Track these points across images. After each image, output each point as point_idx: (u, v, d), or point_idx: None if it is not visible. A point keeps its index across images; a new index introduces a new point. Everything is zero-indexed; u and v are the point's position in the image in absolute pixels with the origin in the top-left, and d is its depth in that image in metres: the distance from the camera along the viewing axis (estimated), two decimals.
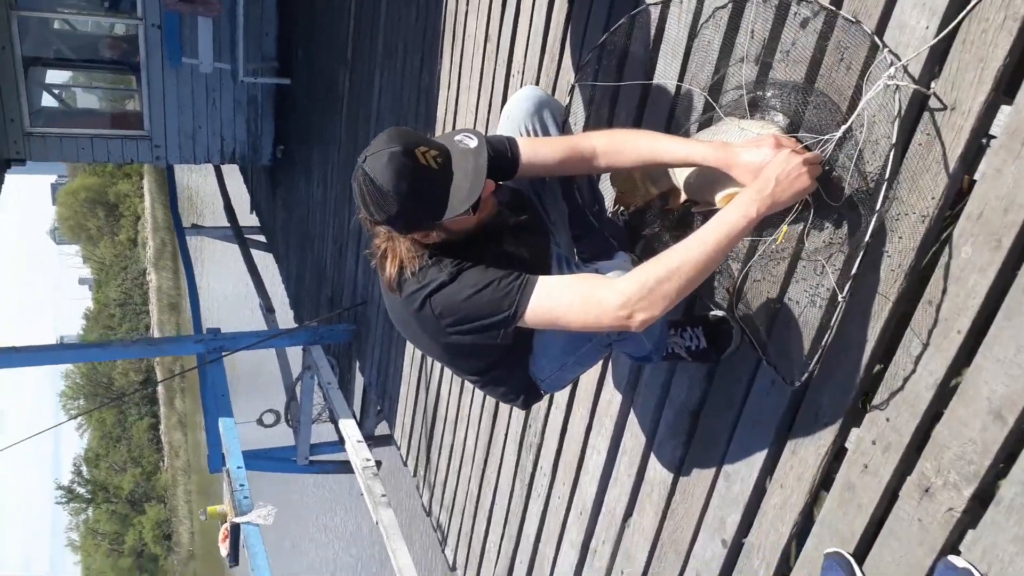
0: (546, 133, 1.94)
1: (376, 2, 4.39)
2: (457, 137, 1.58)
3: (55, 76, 8.74)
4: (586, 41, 2.46)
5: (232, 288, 18.29)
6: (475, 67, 3.25)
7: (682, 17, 2.02)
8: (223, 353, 5.01)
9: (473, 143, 1.56)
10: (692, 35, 1.98)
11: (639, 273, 1.47)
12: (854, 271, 1.48)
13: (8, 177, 6.63)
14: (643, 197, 1.99)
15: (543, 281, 1.57)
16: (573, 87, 2.06)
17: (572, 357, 1.85)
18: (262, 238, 8.41)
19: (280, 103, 7.12)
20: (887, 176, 1.43)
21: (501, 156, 1.72)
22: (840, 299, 1.51)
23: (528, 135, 1.92)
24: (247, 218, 8.80)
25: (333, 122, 5.36)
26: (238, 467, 4.49)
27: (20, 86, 6.44)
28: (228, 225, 8.23)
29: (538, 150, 1.78)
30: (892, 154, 1.42)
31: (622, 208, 2.21)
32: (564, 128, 1.97)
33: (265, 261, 8.09)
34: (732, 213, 1.48)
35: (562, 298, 1.54)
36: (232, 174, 9.41)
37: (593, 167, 1.81)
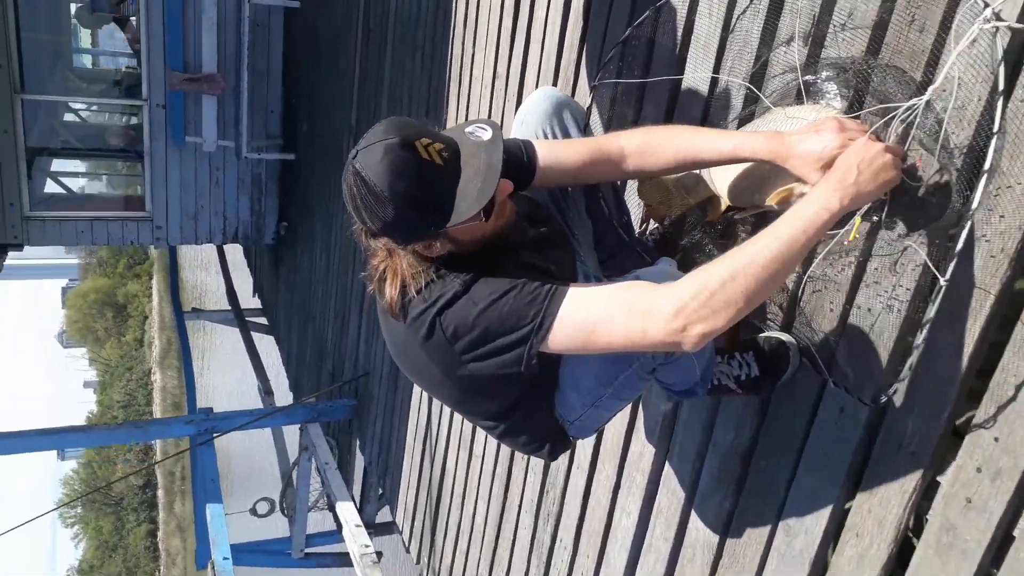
0: (566, 136, 1.72)
1: (380, 57, 4.29)
2: (468, 128, 1.34)
3: (60, 164, 8.73)
4: (603, 60, 2.28)
5: (232, 374, 17.93)
6: (483, 107, 3.08)
7: (714, 9, 1.83)
8: (214, 434, 4.69)
9: (487, 135, 1.31)
10: (726, 28, 1.79)
11: (696, 275, 1.19)
12: (959, 247, 1.21)
13: (19, 283, 6.48)
14: (679, 207, 1.74)
15: (576, 289, 1.29)
16: (594, 87, 1.85)
17: (608, 389, 1.55)
18: (264, 320, 8.18)
19: (284, 179, 7.02)
20: (996, 131, 1.18)
21: (516, 160, 1.49)
22: (942, 282, 1.23)
23: (546, 138, 1.70)
24: (251, 301, 8.60)
25: (336, 190, 5.21)
26: (224, 558, 4.11)
27: (22, 170, 6.35)
28: (229, 308, 8.01)
29: (558, 153, 1.54)
30: (1000, 103, 1.18)
31: (652, 226, 1.97)
32: (585, 132, 1.75)
33: (266, 345, 7.84)
34: (810, 205, 1.22)
35: (600, 307, 1.25)
36: (236, 258, 9.28)
37: (622, 171, 1.56)
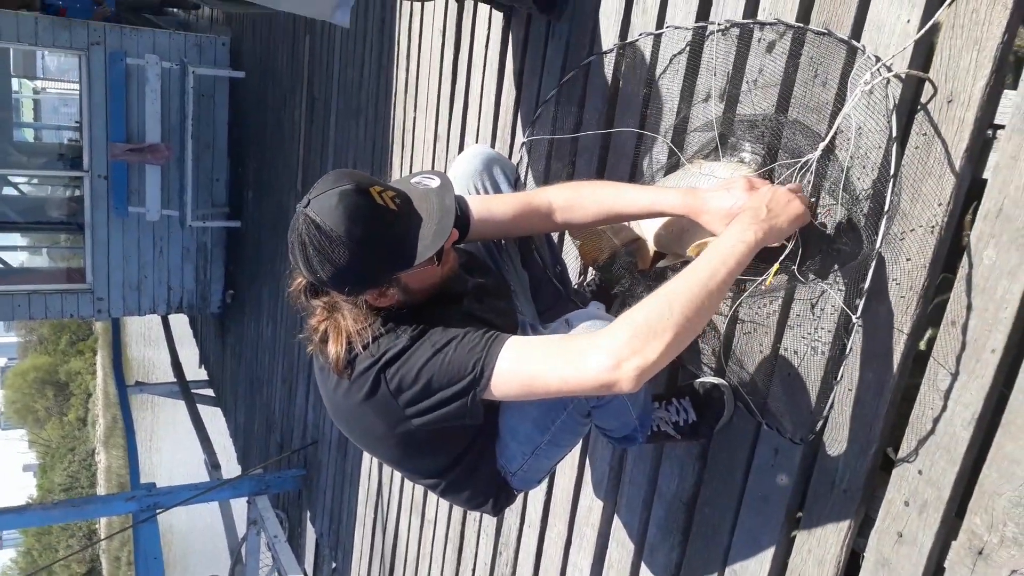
0: (497, 191, 1.76)
1: (325, 123, 4.34)
2: (415, 179, 1.38)
3: None
4: (533, 118, 2.35)
5: (178, 448, 17.37)
6: (425, 167, 3.13)
7: (637, 71, 1.91)
8: (157, 510, 4.53)
9: (435, 183, 1.36)
10: (650, 84, 1.87)
11: (626, 315, 1.20)
12: (867, 284, 1.27)
13: None
14: (609, 248, 1.80)
15: (515, 338, 1.31)
16: (524, 143, 1.91)
17: (546, 435, 1.56)
18: (211, 391, 7.99)
19: (230, 247, 6.96)
20: (892, 174, 1.25)
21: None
22: (854, 321, 1.29)
23: (478, 194, 1.74)
24: (197, 373, 8.40)
25: (282, 258, 5.19)
26: None
27: None
28: (175, 380, 7.82)
29: (491, 206, 1.59)
30: (895, 148, 1.26)
31: (589, 278, 2.02)
32: (517, 186, 1.80)
33: (213, 417, 7.64)
34: (727, 239, 1.26)
35: (537, 353, 1.27)
36: (182, 329, 9.10)
37: (551, 223, 1.62)
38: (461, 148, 2.85)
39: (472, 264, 1.63)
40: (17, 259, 9.54)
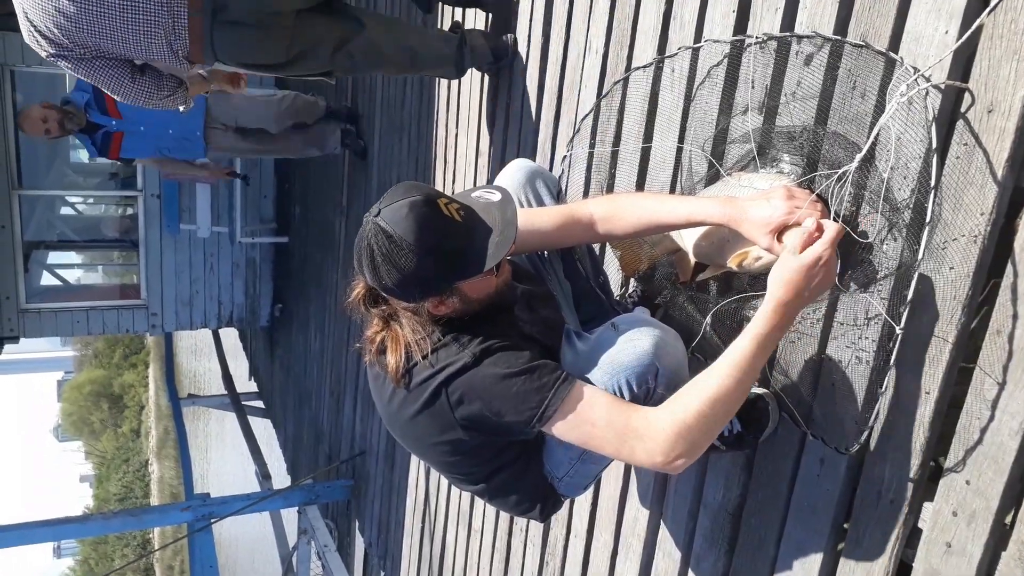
0: (540, 203, 1.80)
1: (368, 140, 4.43)
2: (476, 194, 1.44)
3: (57, 256, 8.85)
4: (574, 132, 2.38)
5: (229, 459, 17.70)
6: (468, 183, 3.18)
7: (675, 83, 1.93)
8: (212, 520, 4.65)
9: (496, 197, 1.42)
10: (687, 98, 1.89)
11: (677, 408, 1.31)
12: (910, 294, 1.28)
13: (14, 377, 6.52)
14: (648, 259, 1.82)
15: (582, 388, 1.37)
16: (565, 156, 1.94)
17: None
18: (260, 403, 8.16)
19: (278, 262, 7.12)
20: (933, 185, 1.26)
21: None
22: (897, 331, 1.29)
23: (521, 206, 1.78)
24: (247, 385, 8.59)
25: (330, 270, 5.30)
26: None
27: (18, 264, 6.45)
28: (225, 393, 8.00)
29: (533, 219, 1.63)
30: (935, 160, 1.26)
31: (631, 290, 2.04)
32: (559, 199, 1.84)
33: (263, 428, 7.80)
34: (760, 327, 1.32)
35: (598, 418, 1.35)
36: (232, 342, 9.30)
37: (593, 234, 1.65)
38: (503, 163, 2.90)
39: (518, 274, 1.67)
40: (73, 276, 9.84)
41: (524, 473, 1.64)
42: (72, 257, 10.02)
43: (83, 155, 8.77)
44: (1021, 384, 1.25)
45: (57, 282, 8.54)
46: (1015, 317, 1.25)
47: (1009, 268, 1.26)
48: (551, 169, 2.47)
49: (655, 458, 1.31)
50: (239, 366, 9.13)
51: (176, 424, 7.44)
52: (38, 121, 3.95)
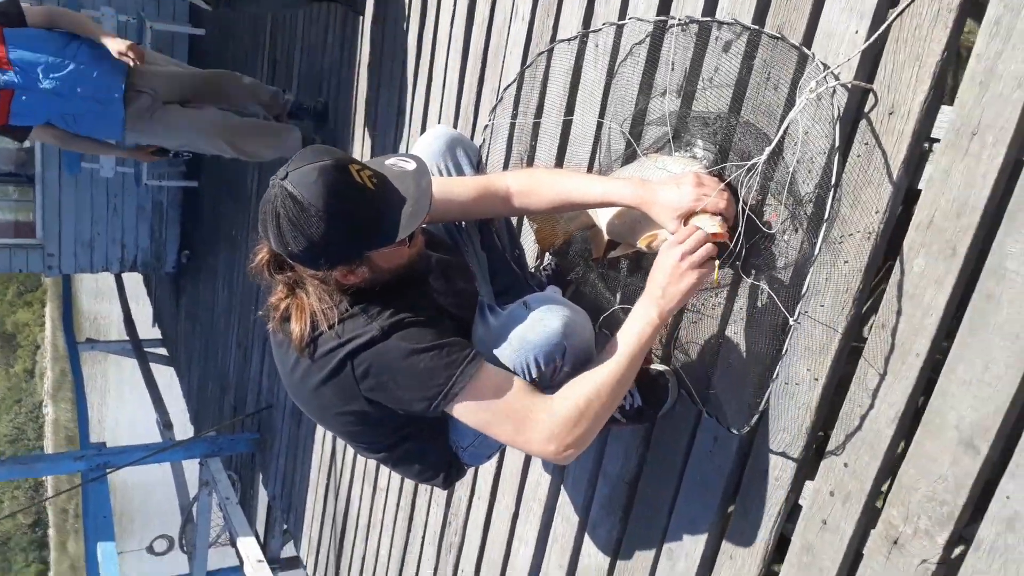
0: (460, 173, 1.78)
1: (287, 87, 4.28)
2: (389, 161, 1.40)
3: None
4: (496, 100, 2.36)
5: (129, 407, 17.15)
6: (388, 144, 3.13)
7: (599, 58, 1.94)
8: (108, 470, 4.51)
9: (411, 166, 1.38)
10: (609, 74, 1.90)
11: (567, 400, 1.38)
12: (805, 289, 1.33)
13: None
14: (564, 234, 1.84)
15: (488, 370, 1.38)
16: (487, 125, 1.93)
17: None
18: (164, 351, 7.91)
19: (187, 206, 6.86)
20: (833, 183, 1.31)
21: None
22: (792, 323, 1.35)
23: (440, 175, 1.76)
24: (150, 331, 8.30)
25: (240, 223, 5.14)
26: None
27: None
28: (127, 339, 7.72)
29: (451, 188, 1.62)
30: (837, 160, 1.31)
31: (546, 262, 2.06)
32: (479, 168, 1.82)
33: (166, 377, 7.58)
34: (636, 323, 1.42)
35: (499, 405, 1.38)
36: (135, 285, 8.95)
37: (509, 207, 1.66)
38: (424, 124, 2.86)
39: (434, 243, 1.66)
40: None
41: (428, 443, 1.65)
42: None
43: None
44: (900, 376, 1.33)
45: None
46: (899, 313, 1.32)
47: (897, 266, 1.32)
48: (472, 137, 2.45)
49: (548, 448, 1.37)
50: (142, 310, 8.81)
51: (73, 369, 7.15)
52: None
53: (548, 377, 1.45)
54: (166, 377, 7.62)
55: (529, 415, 1.37)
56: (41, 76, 3.03)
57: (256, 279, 1.45)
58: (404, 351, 1.36)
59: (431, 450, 1.67)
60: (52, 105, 3.09)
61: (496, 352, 1.45)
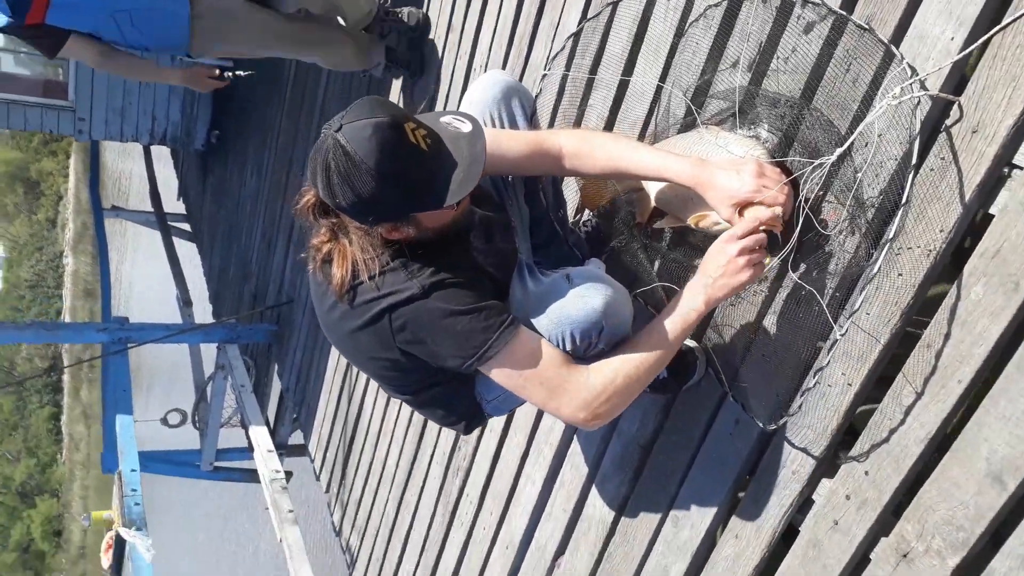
0: (513, 124, 1.74)
1: None
2: (444, 119, 1.37)
3: None
4: (559, 33, 2.27)
5: (150, 278, 17.46)
6: (431, 59, 3.03)
7: (669, 14, 1.85)
8: (128, 345, 4.62)
9: (467, 128, 1.35)
10: (679, 33, 1.82)
11: (604, 374, 1.40)
12: (856, 306, 1.31)
13: None
14: (610, 194, 1.81)
15: (525, 336, 1.39)
16: (544, 76, 1.86)
17: None
18: (187, 227, 7.96)
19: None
20: (904, 202, 1.26)
21: None
22: (838, 335, 1.34)
23: (493, 124, 1.71)
24: (174, 205, 8.34)
25: (273, 110, 5.06)
26: (132, 470, 4.11)
27: None
28: (152, 210, 7.76)
29: (502, 143, 1.58)
30: (911, 176, 1.26)
31: (585, 218, 2.03)
32: (532, 120, 1.77)
33: (188, 252, 7.66)
34: (683, 307, 1.41)
35: (534, 371, 1.39)
36: (163, 158, 8.94)
37: (560, 168, 1.62)
38: (475, 45, 2.76)
39: (477, 196, 1.63)
40: None
41: (455, 391, 1.67)
42: None
43: None
44: (937, 398, 1.32)
45: None
46: (947, 336, 1.30)
47: (953, 289, 1.29)
48: (521, 79, 2.37)
49: (578, 415, 1.40)
50: (167, 177, 8.80)
51: (98, 238, 7.22)
52: None
53: (582, 352, 1.46)
54: (186, 251, 7.71)
55: (563, 383, 1.39)
56: None
57: (300, 219, 1.45)
58: (443, 311, 1.37)
59: (457, 398, 1.69)
60: (97, 6, 2.46)
61: (533, 320, 1.45)
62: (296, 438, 5.29)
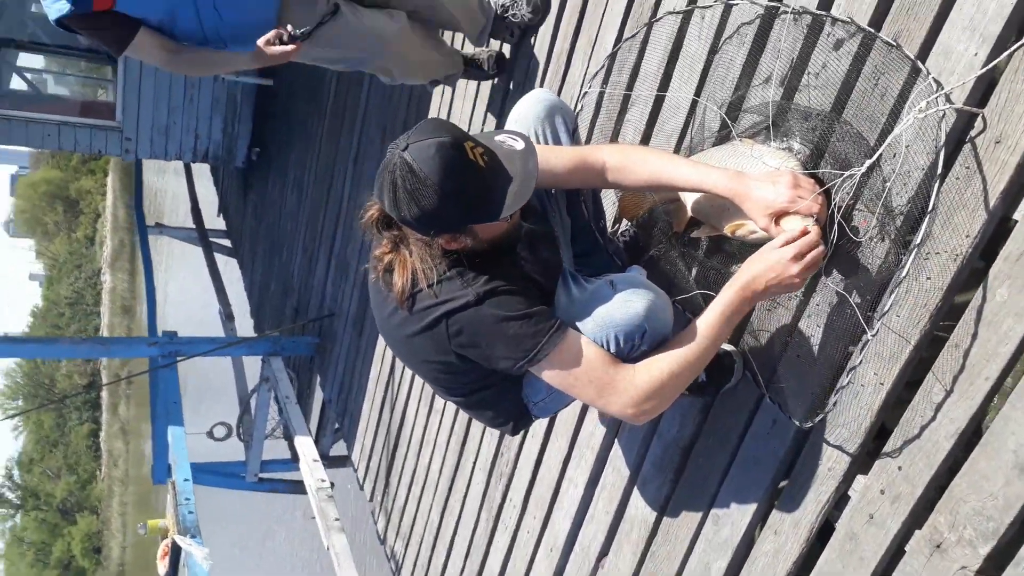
0: (556, 140, 1.84)
1: None
2: (499, 138, 1.49)
3: (27, 59, 8.47)
4: (595, 51, 2.37)
5: (191, 293, 17.84)
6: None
7: (703, 32, 1.94)
8: (178, 358, 4.79)
9: (520, 146, 1.47)
10: (713, 50, 1.90)
11: (651, 371, 1.48)
12: (887, 308, 1.38)
13: None
14: (649, 203, 1.90)
15: (573, 338, 1.49)
16: (584, 94, 1.96)
17: None
18: (227, 242, 8.17)
19: (260, 104, 6.96)
20: (930, 209, 1.34)
21: None
22: (869, 336, 1.41)
23: (537, 141, 1.81)
24: (214, 221, 8.56)
25: (314, 127, 5.23)
26: (185, 480, 4.25)
27: None
28: (193, 227, 7.98)
29: (549, 159, 1.67)
30: (936, 185, 1.34)
31: (623, 227, 2.11)
32: (574, 136, 1.87)
33: (229, 267, 7.86)
34: (724, 306, 1.48)
35: (583, 370, 1.48)
36: (202, 174, 9.18)
37: (603, 181, 1.72)
38: (514, 70, 2.87)
39: (524, 209, 1.73)
40: (41, 82, 9.45)
41: (504, 393, 1.77)
42: (42, 62, 9.59)
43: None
44: (966, 395, 1.39)
45: (26, 87, 8.22)
46: (974, 336, 1.37)
47: (979, 292, 1.36)
48: (559, 93, 2.47)
49: (627, 410, 1.48)
50: (207, 194, 9.03)
51: (143, 255, 7.44)
52: None
53: (625, 354, 1.54)
54: (225, 266, 7.91)
55: (611, 381, 1.48)
56: None
57: (364, 232, 1.56)
58: (496, 317, 1.47)
59: (505, 400, 1.79)
60: None
61: (579, 324, 1.54)
62: (338, 449, 5.41)
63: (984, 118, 1.36)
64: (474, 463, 3.04)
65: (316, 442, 5.21)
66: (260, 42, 2.24)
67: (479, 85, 3.06)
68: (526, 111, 1.83)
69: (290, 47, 2.25)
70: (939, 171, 1.34)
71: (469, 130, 2.47)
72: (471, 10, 2.63)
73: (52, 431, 47.12)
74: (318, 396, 5.32)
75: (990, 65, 1.33)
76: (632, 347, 1.54)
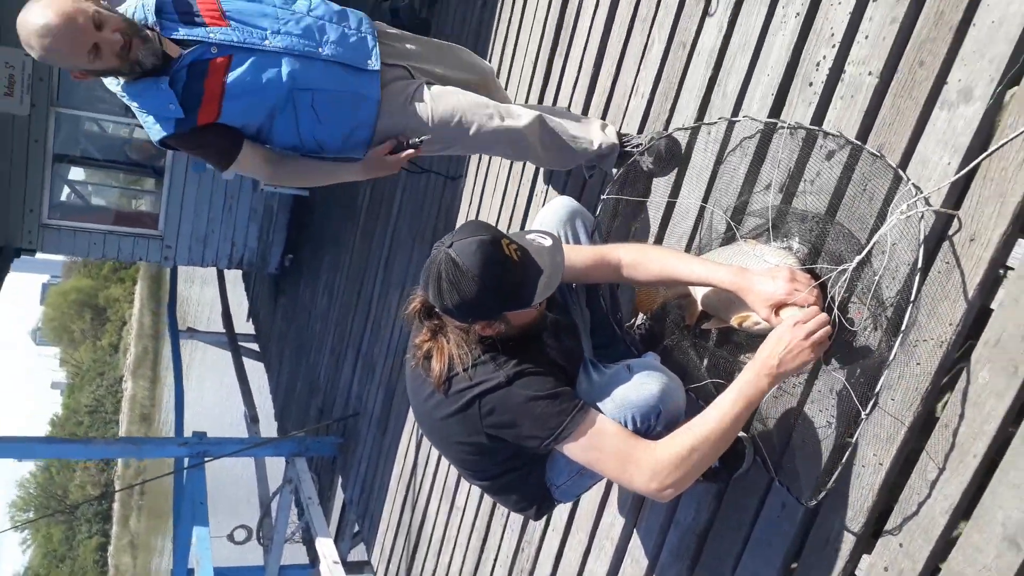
0: (577, 240, 2.03)
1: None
2: (530, 236, 1.68)
3: (76, 172, 8.98)
4: (611, 178, 2.59)
5: (215, 396, 17.98)
6: (499, 186, 3.39)
7: (710, 145, 2.15)
8: (206, 459, 4.89)
9: (548, 242, 1.66)
10: (718, 161, 2.11)
11: (673, 446, 1.53)
12: (878, 389, 1.51)
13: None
14: (662, 298, 2.06)
15: (596, 416, 1.60)
16: (603, 201, 2.16)
17: None
18: (255, 346, 8.38)
19: (295, 214, 7.32)
20: (912, 300, 1.49)
21: None
22: (863, 415, 1.53)
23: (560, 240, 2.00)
24: (243, 325, 8.80)
25: (348, 233, 5.50)
26: None
27: (46, 178, 6.63)
28: (223, 331, 8.22)
29: (571, 255, 1.85)
30: (918, 278, 1.49)
31: (639, 321, 2.27)
32: (594, 236, 2.06)
33: (255, 371, 8.04)
34: (745, 385, 1.55)
35: (605, 446, 1.57)
36: (233, 280, 9.50)
37: (619, 276, 1.88)
38: (536, 172, 3.10)
39: (549, 302, 1.90)
40: (88, 192, 9.97)
41: (528, 477, 1.88)
42: (91, 175, 10.15)
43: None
44: (957, 472, 1.49)
45: (74, 198, 8.68)
46: (962, 416, 1.48)
47: (963, 375, 1.49)
48: (579, 198, 2.69)
49: (650, 485, 1.54)
50: (237, 302, 9.32)
51: (174, 359, 7.66)
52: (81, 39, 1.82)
53: (642, 434, 1.66)
54: (251, 369, 8.07)
55: (633, 455, 1.56)
56: (269, 33, 2.08)
57: (407, 322, 1.73)
58: (525, 397, 1.60)
59: (529, 483, 1.89)
60: (287, 78, 2.07)
61: (599, 405, 1.67)
62: (355, 554, 5.40)
63: (959, 219, 1.52)
64: (495, 560, 3.08)
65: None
66: (376, 152, 2.24)
67: (504, 194, 3.30)
68: (551, 216, 2.04)
69: (408, 152, 2.24)
70: (919, 265, 1.50)
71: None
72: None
73: (60, 545, 46.30)
74: (338, 499, 5.36)
75: (961, 173, 1.51)
76: (648, 427, 1.66)
